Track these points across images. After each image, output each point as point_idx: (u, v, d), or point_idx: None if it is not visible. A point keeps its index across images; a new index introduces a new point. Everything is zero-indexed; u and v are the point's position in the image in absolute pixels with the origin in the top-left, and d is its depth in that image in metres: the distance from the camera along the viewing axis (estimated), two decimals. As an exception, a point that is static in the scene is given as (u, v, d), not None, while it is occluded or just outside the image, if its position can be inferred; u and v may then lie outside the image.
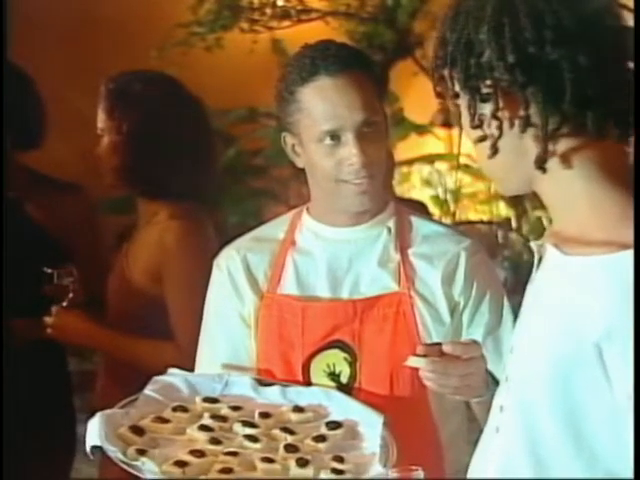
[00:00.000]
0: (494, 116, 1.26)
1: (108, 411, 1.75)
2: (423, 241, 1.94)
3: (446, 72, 1.31)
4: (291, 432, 1.74)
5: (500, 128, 1.27)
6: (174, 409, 1.80)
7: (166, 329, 2.39)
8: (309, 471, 1.63)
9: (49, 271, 2.48)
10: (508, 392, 1.32)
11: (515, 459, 1.27)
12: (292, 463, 1.64)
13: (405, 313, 1.87)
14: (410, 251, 1.92)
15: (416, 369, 1.69)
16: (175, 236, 2.43)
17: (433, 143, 7.90)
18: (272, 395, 1.86)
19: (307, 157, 1.90)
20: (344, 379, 1.87)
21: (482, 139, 1.29)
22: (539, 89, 1.23)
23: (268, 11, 6.70)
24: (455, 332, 1.89)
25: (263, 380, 1.89)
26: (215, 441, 1.70)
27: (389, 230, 1.94)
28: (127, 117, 2.47)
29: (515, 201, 6.53)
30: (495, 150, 1.28)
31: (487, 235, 6.87)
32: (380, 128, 1.88)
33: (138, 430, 1.71)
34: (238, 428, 1.75)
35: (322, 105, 1.84)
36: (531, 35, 1.22)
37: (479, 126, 1.28)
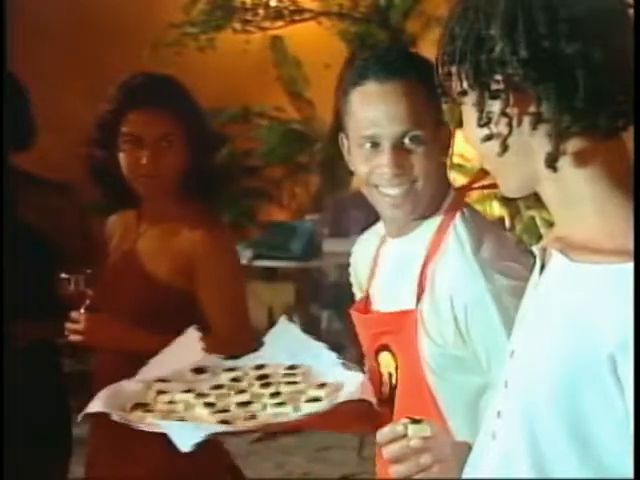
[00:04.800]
0: (503, 113, 1.24)
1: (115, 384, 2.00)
2: (454, 264, 1.80)
3: (454, 69, 1.28)
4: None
5: (510, 125, 1.24)
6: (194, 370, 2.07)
7: (191, 324, 2.38)
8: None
9: (66, 277, 2.41)
10: (507, 397, 1.29)
11: (516, 466, 1.25)
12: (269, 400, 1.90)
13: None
14: (432, 268, 1.81)
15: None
16: (207, 237, 2.48)
17: (426, 143, 7.90)
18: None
19: (352, 160, 1.90)
20: (394, 380, 1.88)
21: (489, 138, 1.27)
22: (552, 85, 1.21)
23: (261, 11, 6.72)
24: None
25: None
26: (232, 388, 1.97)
27: (429, 243, 1.85)
28: (190, 121, 2.50)
29: (508, 201, 6.53)
30: (505, 147, 1.26)
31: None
32: (425, 142, 1.82)
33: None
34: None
35: (365, 111, 1.83)
36: (545, 29, 1.21)
37: (487, 124, 1.26)
